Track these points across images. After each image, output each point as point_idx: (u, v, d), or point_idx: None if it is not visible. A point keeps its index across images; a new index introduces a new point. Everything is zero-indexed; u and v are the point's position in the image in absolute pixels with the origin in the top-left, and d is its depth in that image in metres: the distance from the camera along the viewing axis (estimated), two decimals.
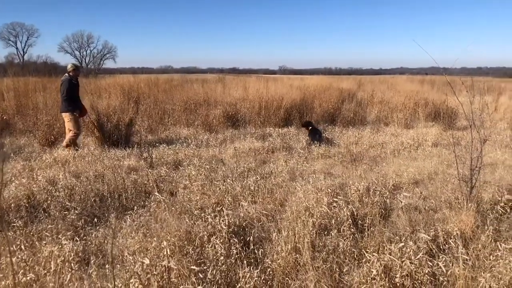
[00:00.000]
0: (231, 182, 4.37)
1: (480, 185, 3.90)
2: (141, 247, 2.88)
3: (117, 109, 7.68)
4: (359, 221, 3.38)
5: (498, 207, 3.59)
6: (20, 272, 2.47)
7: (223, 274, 2.56)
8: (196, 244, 2.90)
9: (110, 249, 2.77)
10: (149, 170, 5.04)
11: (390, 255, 2.57)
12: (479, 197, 3.74)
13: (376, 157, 6.29)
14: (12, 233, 3.16)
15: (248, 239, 2.99)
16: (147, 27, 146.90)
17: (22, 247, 2.81)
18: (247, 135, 7.93)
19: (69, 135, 6.45)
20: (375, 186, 4.22)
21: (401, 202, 3.70)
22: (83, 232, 3.33)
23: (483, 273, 2.47)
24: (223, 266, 2.61)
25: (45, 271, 2.56)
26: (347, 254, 2.83)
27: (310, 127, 7.66)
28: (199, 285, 2.35)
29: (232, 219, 3.24)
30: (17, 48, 56.54)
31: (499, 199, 3.74)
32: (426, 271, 2.47)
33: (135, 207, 3.77)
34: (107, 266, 2.66)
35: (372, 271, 2.45)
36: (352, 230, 3.12)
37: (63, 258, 2.63)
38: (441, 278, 2.50)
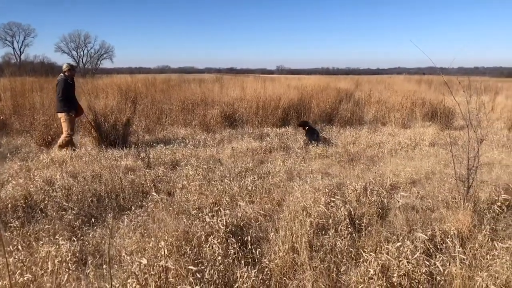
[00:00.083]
0: (229, 182, 4.37)
1: (477, 185, 3.92)
2: (138, 247, 2.88)
3: (115, 109, 7.63)
4: (357, 221, 3.39)
5: (495, 206, 3.60)
6: (17, 273, 2.47)
7: (220, 274, 2.56)
8: (193, 244, 2.90)
9: (108, 249, 2.77)
10: (147, 170, 5.04)
11: (388, 255, 2.57)
12: (476, 196, 3.76)
13: (374, 156, 6.30)
14: (9, 233, 3.15)
15: (245, 239, 2.99)
16: (145, 27, 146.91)
17: (19, 247, 2.80)
18: (244, 135, 7.92)
19: (62, 136, 6.43)
20: (373, 185, 4.22)
21: (398, 201, 3.71)
22: (81, 232, 3.33)
23: (480, 272, 2.48)
24: (221, 266, 2.61)
25: (42, 272, 2.55)
26: (345, 254, 2.83)
27: (307, 127, 7.67)
28: (196, 285, 2.35)
29: (229, 219, 3.24)
30: (14, 48, 56.33)
31: (496, 198, 3.75)
32: (423, 271, 2.47)
33: (133, 207, 3.76)
34: (104, 266, 2.66)
35: (370, 271, 2.46)
36: (350, 229, 3.13)
37: (60, 259, 2.62)
38: (438, 278, 2.52)
